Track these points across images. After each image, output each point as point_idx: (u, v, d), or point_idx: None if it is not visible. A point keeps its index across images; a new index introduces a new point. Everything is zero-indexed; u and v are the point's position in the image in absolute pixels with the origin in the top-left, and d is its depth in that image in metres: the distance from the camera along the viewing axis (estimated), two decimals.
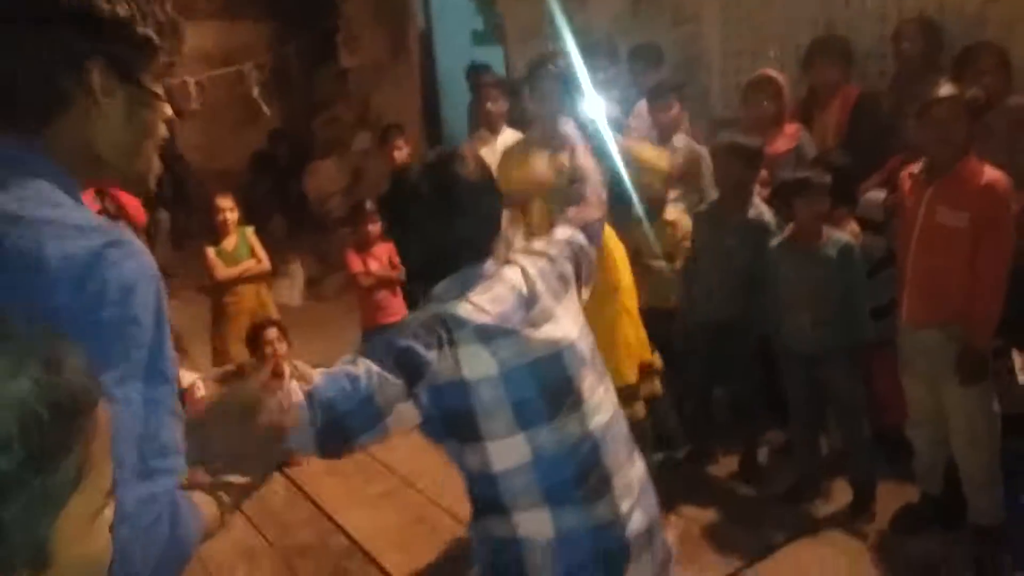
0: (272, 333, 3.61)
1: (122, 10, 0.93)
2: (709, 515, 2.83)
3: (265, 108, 6.32)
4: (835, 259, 2.61)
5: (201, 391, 3.40)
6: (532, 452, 1.32)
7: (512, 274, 1.41)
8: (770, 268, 2.78)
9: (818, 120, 3.61)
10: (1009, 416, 2.62)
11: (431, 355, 1.27)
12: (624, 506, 1.37)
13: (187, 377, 3.37)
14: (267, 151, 7.86)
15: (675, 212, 3.34)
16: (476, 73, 5.36)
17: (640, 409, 2.66)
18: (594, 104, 3.84)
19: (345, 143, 7.12)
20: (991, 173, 2.25)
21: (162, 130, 1.04)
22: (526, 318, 1.36)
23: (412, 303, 1.45)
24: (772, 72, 3.42)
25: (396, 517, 3.05)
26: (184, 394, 3.32)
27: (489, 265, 1.40)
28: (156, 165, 1.05)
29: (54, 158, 0.90)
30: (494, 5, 5.90)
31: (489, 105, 4.04)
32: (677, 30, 4.62)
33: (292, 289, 6.12)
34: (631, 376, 2.62)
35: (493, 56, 6.03)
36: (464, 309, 1.32)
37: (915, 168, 2.42)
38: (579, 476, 1.35)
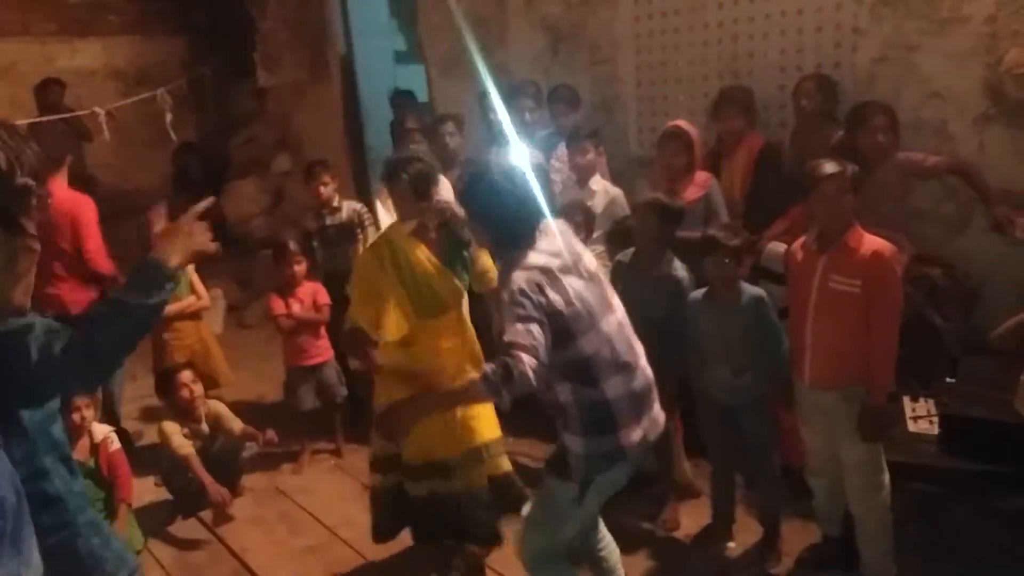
0: (186, 376, 3.55)
1: (3, 164, 0.95)
2: (625, 560, 2.94)
3: (173, 136, 6.14)
4: (750, 311, 2.76)
5: (114, 444, 3.32)
6: (606, 338, 2.10)
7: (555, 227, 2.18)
8: (688, 322, 2.91)
9: (725, 168, 3.79)
10: (902, 464, 2.84)
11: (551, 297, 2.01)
12: (641, 362, 2.22)
13: (99, 430, 3.29)
14: (180, 166, 7.62)
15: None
16: (399, 101, 5.36)
17: (505, 461, 2.89)
18: (518, 149, 3.95)
19: (264, 164, 6.99)
20: (877, 242, 2.43)
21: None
22: (572, 255, 2.14)
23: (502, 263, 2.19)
24: (684, 124, 3.57)
25: (323, 571, 3.06)
26: (98, 448, 3.24)
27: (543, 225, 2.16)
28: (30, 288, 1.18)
29: None
30: (416, 25, 5.91)
31: (410, 148, 4.05)
32: (595, 70, 4.74)
33: (214, 316, 5.98)
34: (498, 430, 2.85)
35: (416, 75, 6.03)
36: (547, 260, 2.06)
37: (803, 240, 2.58)
38: (626, 350, 2.15)
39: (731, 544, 3.01)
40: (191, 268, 4.09)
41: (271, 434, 3.56)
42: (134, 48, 7.35)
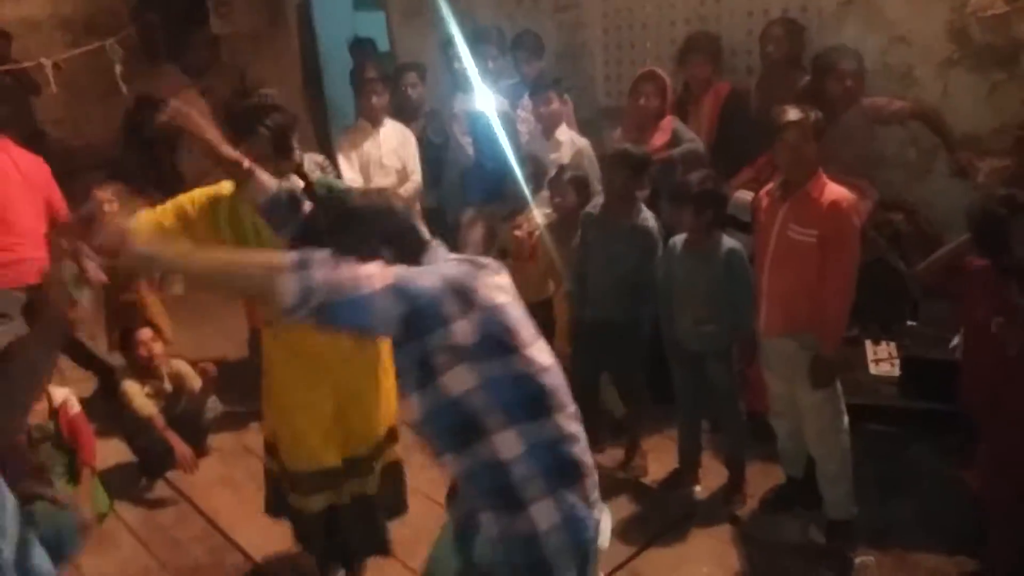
0: (144, 334, 3.48)
1: None
2: None
3: (124, 88, 5.90)
4: (721, 261, 2.75)
5: (75, 408, 3.25)
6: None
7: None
8: (662, 270, 2.90)
9: (692, 116, 3.76)
10: (863, 406, 2.90)
11: None
12: None
13: (58, 393, 3.21)
14: (134, 119, 7.35)
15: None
16: (359, 50, 5.20)
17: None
18: (485, 97, 3.86)
19: (222, 115, 6.75)
20: (837, 191, 2.41)
21: None
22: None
23: None
24: (657, 69, 3.51)
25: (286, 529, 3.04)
26: (57, 412, 3.17)
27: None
28: None
29: None
30: None
31: (372, 100, 3.95)
32: (560, 16, 4.63)
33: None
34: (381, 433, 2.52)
35: (376, 23, 5.84)
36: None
37: (771, 186, 2.57)
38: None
39: (698, 488, 3.07)
40: None
41: (211, 368, 3.50)
42: None
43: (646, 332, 3.06)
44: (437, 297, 1.41)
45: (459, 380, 1.42)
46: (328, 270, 1.41)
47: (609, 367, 3.22)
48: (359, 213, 1.64)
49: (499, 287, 1.51)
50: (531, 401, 1.46)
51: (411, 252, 1.57)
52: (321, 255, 1.44)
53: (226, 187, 2.28)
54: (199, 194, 2.34)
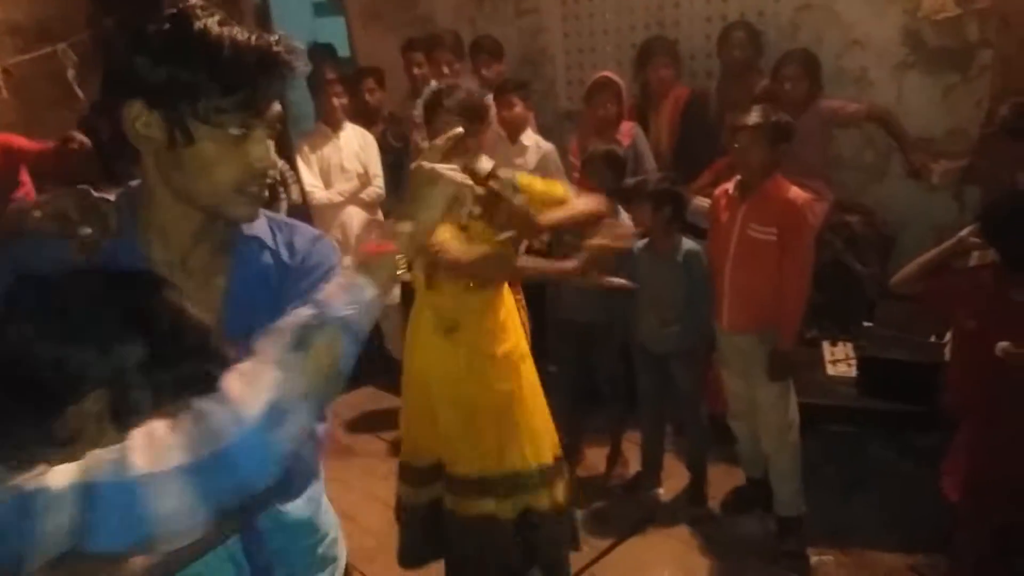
0: None
1: None
2: None
3: (79, 92, 5.75)
4: (681, 264, 2.76)
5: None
6: None
7: None
8: (631, 272, 2.89)
9: (652, 119, 3.77)
10: (821, 406, 2.91)
11: None
12: None
13: None
14: (90, 125, 7.18)
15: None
16: (317, 56, 5.13)
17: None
18: None
19: None
20: (793, 191, 2.44)
21: None
22: None
23: None
24: (612, 75, 3.51)
25: None
26: None
27: None
28: None
29: None
30: None
31: (332, 101, 3.90)
32: (521, 21, 4.62)
33: None
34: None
35: (336, 27, 5.78)
36: None
37: (729, 186, 2.58)
38: None
39: (660, 490, 3.05)
40: None
41: None
42: (34, 1, 6.82)
43: (620, 334, 3.03)
44: None
45: None
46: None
47: (588, 370, 3.16)
48: None
49: None
50: None
51: None
52: None
53: None
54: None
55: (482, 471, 2.24)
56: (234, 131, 0.97)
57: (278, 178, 4.19)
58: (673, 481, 3.07)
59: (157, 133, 0.98)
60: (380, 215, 4.03)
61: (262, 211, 1.12)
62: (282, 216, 1.18)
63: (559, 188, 2.22)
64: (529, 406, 2.27)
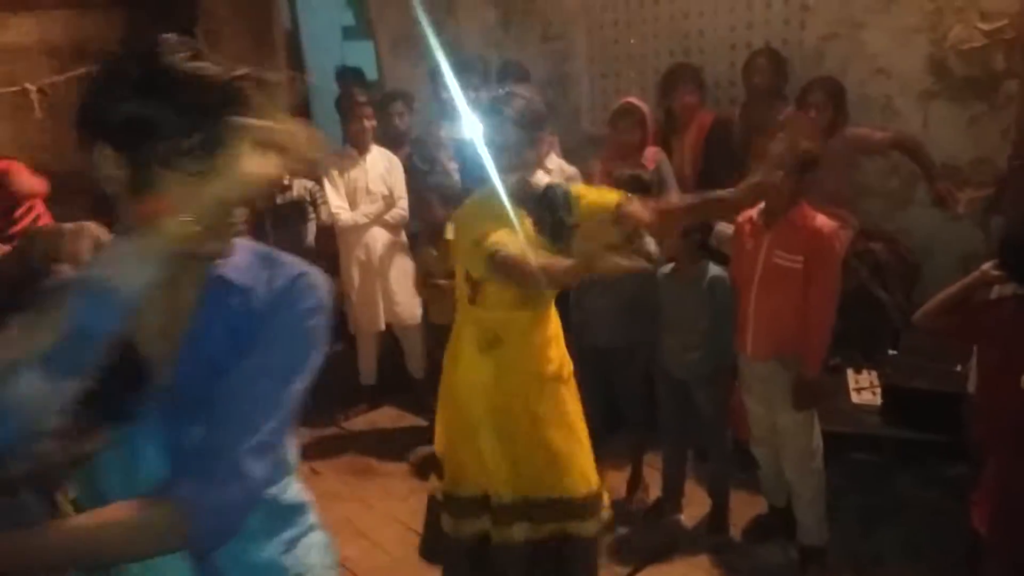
0: None
1: None
2: None
3: None
4: (706, 289, 2.76)
5: None
6: None
7: None
8: (656, 296, 2.91)
9: (676, 144, 3.79)
10: (846, 434, 2.89)
11: None
12: None
13: None
14: None
15: (451, 231, 3.49)
16: (346, 79, 5.23)
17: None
18: (471, 124, 3.88)
19: None
20: (819, 219, 2.44)
21: None
22: None
23: None
24: (636, 100, 3.55)
25: None
26: None
27: None
28: None
29: None
30: (365, 1, 5.77)
31: (360, 124, 3.97)
32: (547, 46, 4.69)
33: None
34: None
35: (364, 51, 5.89)
36: None
37: (753, 213, 2.59)
38: None
39: (681, 516, 3.03)
40: None
41: None
42: (71, 23, 6.99)
43: (644, 357, 3.04)
44: None
45: None
46: None
47: (610, 393, 3.13)
48: None
49: None
50: None
51: None
52: None
53: None
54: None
55: (526, 495, 2.16)
56: (197, 169, 0.93)
57: (307, 198, 4.27)
58: (694, 508, 3.05)
59: (120, 175, 0.95)
60: (403, 237, 4.07)
61: (249, 243, 1.09)
62: (270, 250, 1.12)
63: (610, 195, 2.10)
64: (576, 429, 2.20)
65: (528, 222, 2.05)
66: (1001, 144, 3.29)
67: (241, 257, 1.07)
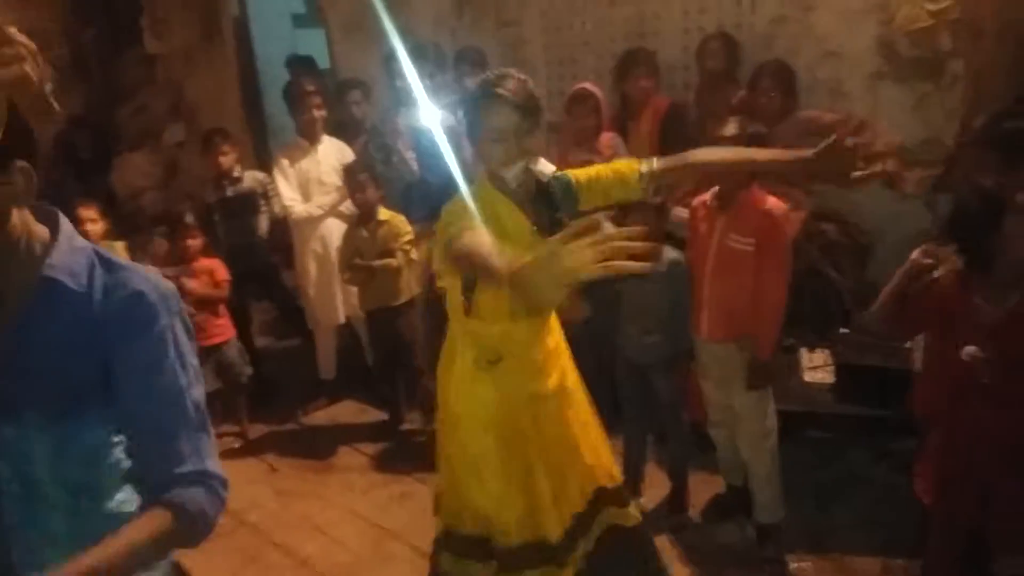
0: None
1: None
2: None
3: (56, 105, 5.70)
4: (664, 274, 2.76)
5: None
6: None
7: None
8: (614, 283, 2.90)
9: (632, 129, 3.79)
10: (799, 413, 2.93)
11: None
12: None
13: None
14: (67, 140, 7.12)
15: (386, 212, 3.55)
16: (297, 68, 5.13)
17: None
18: (429, 113, 3.83)
19: (156, 134, 6.58)
20: (771, 201, 2.47)
21: None
22: None
23: None
24: (590, 86, 3.53)
25: (227, 560, 2.94)
26: None
27: None
28: None
29: None
30: None
31: (310, 113, 3.89)
32: (501, 32, 4.65)
33: None
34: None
35: (315, 39, 5.78)
36: None
37: (707, 197, 2.60)
38: None
39: (642, 499, 3.05)
40: (121, 246, 3.80)
41: None
42: (11, 14, 6.74)
43: (603, 344, 3.03)
44: None
45: None
46: None
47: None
48: None
49: None
50: None
51: None
52: None
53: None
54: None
55: (538, 535, 1.96)
56: None
57: (259, 190, 4.18)
58: (655, 490, 3.07)
59: None
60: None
61: (92, 247, 1.12)
62: (116, 258, 1.14)
63: (618, 167, 1.99)
64: (589, 434, 2.09)
65: (523, 219, 1.87)
66: (948, 124, 3.35)
67: (74, 259, 1.09)
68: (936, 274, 2.11)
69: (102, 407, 1.09)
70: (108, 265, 1.12)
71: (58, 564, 0.97)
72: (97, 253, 1.12)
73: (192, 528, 1.11)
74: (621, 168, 1.98)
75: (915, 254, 2.15)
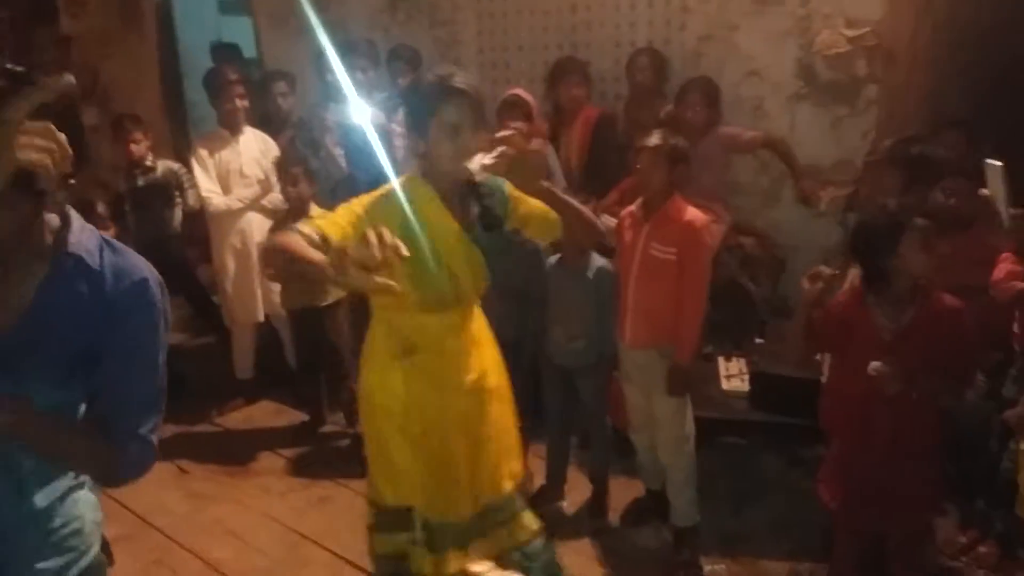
0: None
1: None
2: None
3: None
4: (591, 280, 2.80)
5: None
6: None
7: None
8: (546, 287, 2.92)
9: (563, 138, 3.83)
10: (716, 419, 3.02)
11: None
12: None
13: None
14: None
15: (318, 210, 3.44)
16: (221, 54, 4.98)
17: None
18: (360, 109, 3.76)
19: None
20: (692, 212, 2.53)
21: None
22: None
23: None
24: (522, 92, 3.55)
25: (132, 563, 2.80)
26: None
27: None
28: None
29: None
30: None
31: (232, 103, 3.77)
32: (435, 31, 4.63)
33: None
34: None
35: (242, 27, 5.62)
36: None
37: (633, 207, 2.65)
38: None
39: (564, 503, 3.08)
40: None
41: None
42: None
43: (530, 348, 3.04)
44: None
45: None
46: None
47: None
48: None
49: None
50: None
51: None
52: None
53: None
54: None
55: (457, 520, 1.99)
56: None
57: (173, 180, 4.02)
58: (576, 494, 3.10)
59: None
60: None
61: (95, 231, 1.20)
62: (116, 241, 1.21)
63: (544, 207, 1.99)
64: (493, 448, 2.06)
65: (450, 219, 1.85)
66: (861, 146, 3.52)
67: (88, 238, 1.18)
68: (835, 294, 2.21)
69: (85, 377, 1.18)
70: (113, 248, 1.20)
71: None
72: (98, 234, 1.20)
73: (116, 466, 1.23)
74: (545, 209, 1.99)
75: (804, 283, 2.19)
